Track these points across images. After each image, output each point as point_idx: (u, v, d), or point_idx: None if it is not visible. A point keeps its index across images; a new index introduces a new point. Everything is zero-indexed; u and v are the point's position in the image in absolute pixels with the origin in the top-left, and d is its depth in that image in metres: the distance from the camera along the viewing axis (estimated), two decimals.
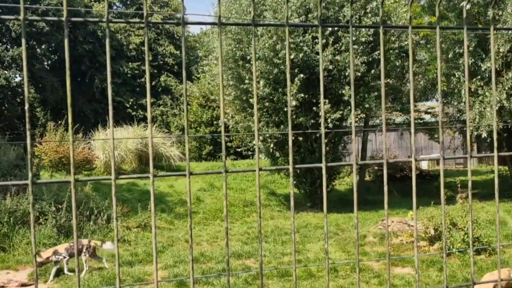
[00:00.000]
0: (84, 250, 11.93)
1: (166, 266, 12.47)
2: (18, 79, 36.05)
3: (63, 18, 1.41)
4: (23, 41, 1.39)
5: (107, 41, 1.50)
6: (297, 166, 1.59)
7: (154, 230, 1.42)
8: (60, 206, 15.29)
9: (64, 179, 1.46)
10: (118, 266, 1.62)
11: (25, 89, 1.39)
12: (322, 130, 1.67)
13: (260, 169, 1.58)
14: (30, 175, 1.40)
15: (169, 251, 14.10)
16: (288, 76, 1.57)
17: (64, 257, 11.71)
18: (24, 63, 1.42)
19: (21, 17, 1.38)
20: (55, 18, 1.43)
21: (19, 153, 18.42)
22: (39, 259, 11.68)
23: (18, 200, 15.04)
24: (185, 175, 1.56)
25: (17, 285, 11.61)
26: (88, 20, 1.47)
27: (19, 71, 35.90)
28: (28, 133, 1.37)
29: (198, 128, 33.44)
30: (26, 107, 1.40)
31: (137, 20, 1.53)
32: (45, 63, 41.42)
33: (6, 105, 33.41)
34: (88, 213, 15.86)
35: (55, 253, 11.71)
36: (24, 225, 14.84)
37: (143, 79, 42.55)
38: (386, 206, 1.70)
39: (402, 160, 1.84)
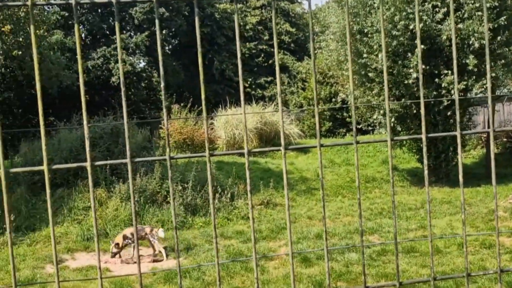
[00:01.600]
0: (149, 237, 12.12)
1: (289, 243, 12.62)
2: (142, 64, 37.58)
3: None
4: (157, 22, 1.43)
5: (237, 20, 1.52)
6: (430, 135, 1.55)
7: (287, 198, 1.43)
8: (186, 185, 15.86)
9: (199, 154, 1.50)
10: (254, 241, 1.65)
11: (160, 67, 1.44)
12: (456, 96, 1.60)
13: (392, 139, 1.54)
14: (168, 150, 1.46)
15: (291, 227, 14.26)
16: (418, 42, 1.52)
17: (132, 242, 12.04)
18: (159, 42, 1.47)
19: None
20: None
21: (146, 136, 19.25)
22: (115, 250, 12.19)
23: (147, 180, 15.75)
24: (315, 147, 1.56)
25: (149, 261, 12.21)
26: None
27: (143, 56, 37.39)
28: (164, 110, 1.43)
29: None
30: (162, 85, 1.45)
31: None
32: (166, 48, 42.82)
33: (132, 90, 34.96)
34: (213, 190, 16.31)
35: (124, 237, 12.09)
36: (153, 204, 15.52)
37: (260, 59, 42.99)
38: None
39: None
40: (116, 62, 34.52)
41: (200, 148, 23.76)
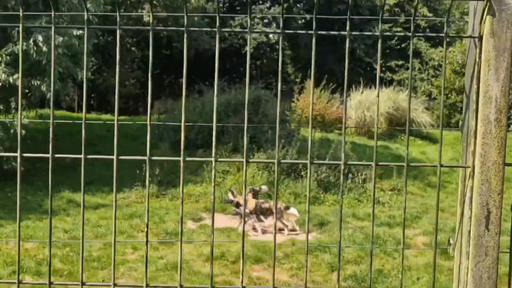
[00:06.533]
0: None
1: (425, 232, 12.58)
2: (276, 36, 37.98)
3: None
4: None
5: None
6: None
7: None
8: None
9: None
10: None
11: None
12: None
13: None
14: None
15: (425, 218, 14.08)
16: None
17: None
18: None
19: None
20: None
21: (285, 107, 19.61)
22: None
23: (285, 152, 16.11)
24: None
25: (286, 234, 12.68)
26: None
27: (278, 28, 37.73)
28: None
29: (449, 95, 32.40)
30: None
31: None
32: (299, 21, 42.93)
33: (264, 61, 35.45)
34: (346, 171, 16.42)
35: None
36: (289, 176, 15.88)
37: (393, 41, 42.24)
38: None
39: None
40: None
41: (329, 127, 23.84)
